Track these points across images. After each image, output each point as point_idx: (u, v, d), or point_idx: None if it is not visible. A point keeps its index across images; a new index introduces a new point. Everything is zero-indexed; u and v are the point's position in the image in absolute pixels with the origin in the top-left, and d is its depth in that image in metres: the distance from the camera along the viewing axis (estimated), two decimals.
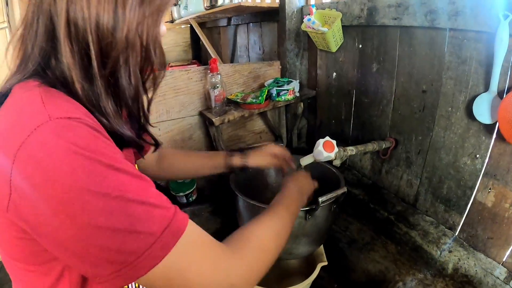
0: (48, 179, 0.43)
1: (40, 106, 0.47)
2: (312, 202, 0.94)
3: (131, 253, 0.46)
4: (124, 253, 0.46)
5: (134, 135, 0.62)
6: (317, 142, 1.09)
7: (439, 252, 1.16)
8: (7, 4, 2.92)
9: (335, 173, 1.15)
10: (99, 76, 0.52)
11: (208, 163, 1.14)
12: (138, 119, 0.64)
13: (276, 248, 0.68)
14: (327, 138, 1.10)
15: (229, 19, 2.77)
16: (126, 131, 0.58)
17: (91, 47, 0.50)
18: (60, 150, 0.44)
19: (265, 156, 1.14)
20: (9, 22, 2.92)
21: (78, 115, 0.48)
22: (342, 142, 1.18)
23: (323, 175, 1.16)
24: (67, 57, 0.51)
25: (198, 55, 3.94)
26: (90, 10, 0.49)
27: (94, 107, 0.53)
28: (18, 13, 3.00)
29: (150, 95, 0.64)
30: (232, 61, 2.98)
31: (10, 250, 0.55)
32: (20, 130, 0.45)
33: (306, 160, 1.12)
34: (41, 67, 0.54)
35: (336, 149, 1.09)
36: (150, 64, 0.59)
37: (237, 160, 1.11)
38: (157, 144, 0.76)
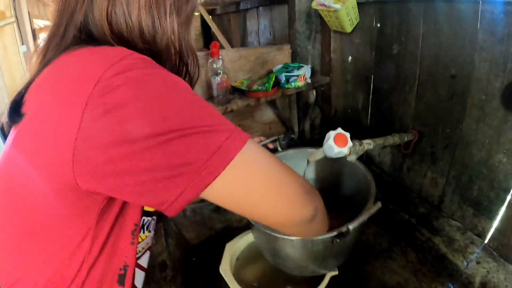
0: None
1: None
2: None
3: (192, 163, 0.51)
4: (185, 166, 0.51)
5: None
6: (327, 134, 1.00)
7: (465, 263, 1.11)
8: None
9: (366, 176, 1.05)
10: None
11: None
12: None
13: None
14: (339, 130, 1.01)
15: (238, 4, 2.76)
16: None
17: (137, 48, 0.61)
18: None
19: None
20: (16, 17, 3.00)
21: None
22: (359, 134, 1.15)
23: (351, 171, 1.14)
24: None
25: (209, 43, 3.97)
26: (132, 20, 0.61)
27: None
28: (25, 8, 3.16)
29: None
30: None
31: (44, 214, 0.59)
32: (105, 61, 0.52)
33: (315, 156, 1.03)
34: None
35: (350, 143, 1.01)
36: (185, 66, 0.69)
37: None
38: None
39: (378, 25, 1.42)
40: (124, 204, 0.65)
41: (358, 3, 1.44)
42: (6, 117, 0.60)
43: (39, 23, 4.84)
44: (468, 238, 1.17)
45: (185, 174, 0.50)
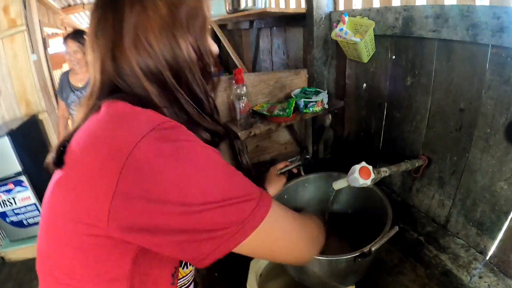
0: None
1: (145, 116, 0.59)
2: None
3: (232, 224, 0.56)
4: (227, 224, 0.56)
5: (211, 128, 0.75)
6: (352, 168, 1.04)
7: (469, 278, 1.12)
8: (25, 7, 2.98)
9: (382, 200, 1.09)
10: (176, 91, 0.68)
11: None
12: (212, 113, 0.76)
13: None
14: (363, 163, 1.05)
15: (251, 22, 2.72)
16: (206, 123, 0.73)
17: (166, 77, 0.66)
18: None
19: (278, 181, 1.24)
20: (27, 25, 2.98)
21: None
22: (372, 157, 1.14)
23: (368, 195, 1.16)
24: (150, 90, 0.65)
25: (218, 56, 3.86)
26: (157, 55, 0.65)
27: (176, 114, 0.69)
28: (36, 16, 3.14)
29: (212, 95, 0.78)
30: (254, 65, 2.92)
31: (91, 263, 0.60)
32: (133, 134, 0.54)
33: (339, 185, 1.07)
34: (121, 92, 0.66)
35: (373, 175, 1.04)
36: (208, 68, 0.73)
37: None
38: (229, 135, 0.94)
39: (394, 57, 1.41)
40: None
41: (375, 35, 1.43)
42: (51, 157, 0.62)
43: (48, 31, 4.76)
44: (472, 255, 1.18)
45: (219, 238, 0.55)
